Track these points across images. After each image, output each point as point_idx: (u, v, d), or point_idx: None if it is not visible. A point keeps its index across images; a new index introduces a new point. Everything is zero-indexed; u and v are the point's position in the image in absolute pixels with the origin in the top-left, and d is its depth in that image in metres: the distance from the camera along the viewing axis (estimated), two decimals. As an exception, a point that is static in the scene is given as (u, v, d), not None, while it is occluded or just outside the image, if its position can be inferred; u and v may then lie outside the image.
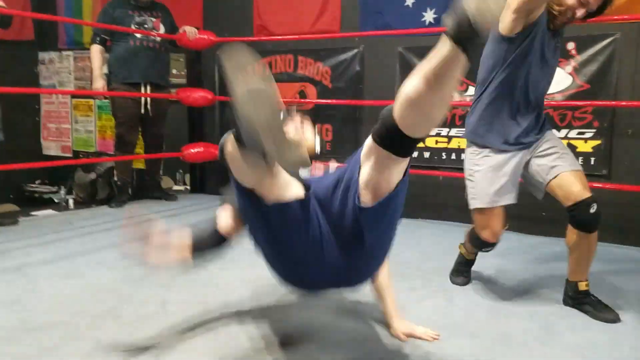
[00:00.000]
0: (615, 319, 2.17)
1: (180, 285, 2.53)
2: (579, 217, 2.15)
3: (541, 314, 2.21)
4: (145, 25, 4.39)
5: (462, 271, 2.61)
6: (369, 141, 1.35)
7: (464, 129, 3.81)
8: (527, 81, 2.16)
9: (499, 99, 2.20)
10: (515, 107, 2.20)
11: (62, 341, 1.87)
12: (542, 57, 2.14)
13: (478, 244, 2.43)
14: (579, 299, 2.29)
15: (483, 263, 2.66)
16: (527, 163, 2.29)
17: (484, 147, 2.28)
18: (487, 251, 2.46)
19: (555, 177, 2.19)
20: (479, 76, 2.28)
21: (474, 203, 2.34)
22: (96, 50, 4.34)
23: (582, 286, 2.27)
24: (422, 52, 4.37)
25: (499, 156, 2.25)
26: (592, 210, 2.11)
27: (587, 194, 2.13)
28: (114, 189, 4.80)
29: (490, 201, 2.27)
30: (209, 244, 1.78)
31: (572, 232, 2.21)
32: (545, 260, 2.95)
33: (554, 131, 2.41)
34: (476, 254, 2.60)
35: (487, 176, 2.26)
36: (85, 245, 3.22)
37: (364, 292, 2.08)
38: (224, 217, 1.80)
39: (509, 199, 2.28)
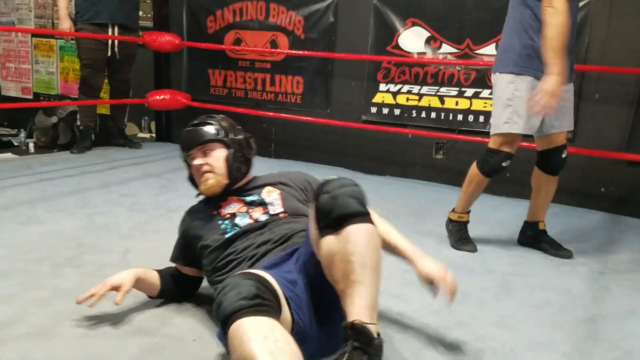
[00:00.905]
0: (569, 256, 2.48)
1: (143, 234, 2.50)
2: (550, 159, 2.46)
3: (498, 273, 2.27)
4: None
5: (465, 237, 2.59)
6: None
7: (435, 87, 3.86)
8: None
9: (535, 27, 2.22)
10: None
11: (20, 289, 1.84)
12: None
13: (496, 160, 2.41)
14: (537, 237, 2.59)
15: (445, 222, 2.70)
16: None
17: (525, 74, 2.28)
18: (504, 169, 2.43)
19: (551, 133, 2.41)
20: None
21: (508, 127, 2.34)
22: None
23: (541, 226, 2.60)
24: (397, 6, 4.31)
25: (536, 85, 2.26)
26: (563, 155, 2.45)
27: (564, 142, 2.45)
28: (77, 134, 4.67)
29: (525, 128, 2.32)
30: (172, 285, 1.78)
31: (538, 174, 2.51)
32: (506, 220, 3.02)
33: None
34: (469, 213, 2.60)
35: (525, 105, 2.29)
36: (45, 191, 3.13)
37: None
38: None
39: (532, 129, 2.36)
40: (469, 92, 3.77)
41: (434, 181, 3.94)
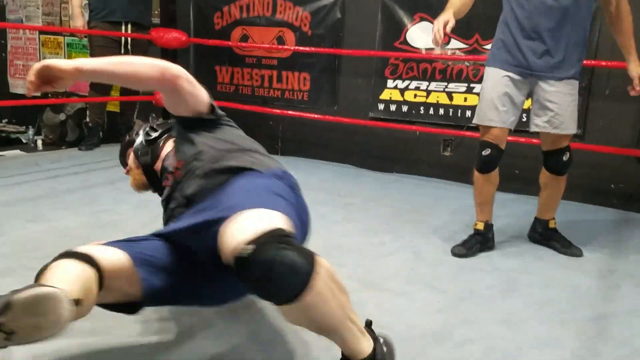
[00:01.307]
0: (579, 254, 2.44)
1: (149, 232, 2.50)
2: (551, 161, 2.45)
3: (504, 270, 2.25)
4: None
5: (478, 250, 2.46)
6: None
7: (443, 83, 3.83)
8: (521, 9, 2.26)
9: (506, 21, 2.33)
10: (516, 31, 2.28)
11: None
12: None
13: (478, 152, 2.39)
14: (547, 235, 2.56)
15: (452, 219, 2.68)
16: (532, 95, 2.38)
17: (492, 66, 2.36)
18: (489, 159, 2.36)
19: (541, 132, 2.40)
20: None
21: (474, 118, 2.44)
22: None
23: (552, 224, 2.57)
24: (406, 2, 4.27)
25: (501, 75, 2.31)
26: (564, 158, 2.41)
27: (564, 144, 2.40)
28: (85, 130, 4.68)
29: (485, 119, 2.34)
30: None
31: (545, 173, 2.49)
32: (513, 217, 2.99)
33: (572, 83, 2.33)
34: (485, 222, 2.49)
35: (486, 95, 2.34)
36: (51, 188, 3.14)
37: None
38: None
39: (504, 122, 2.33)
40: (478, 87, 3.73)
41: (442, 178, 3.91)
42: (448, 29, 2.20)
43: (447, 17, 2.22)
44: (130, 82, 1.51)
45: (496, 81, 2.32)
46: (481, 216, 2.50)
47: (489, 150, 2.36)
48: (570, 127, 2.35)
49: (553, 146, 2.42)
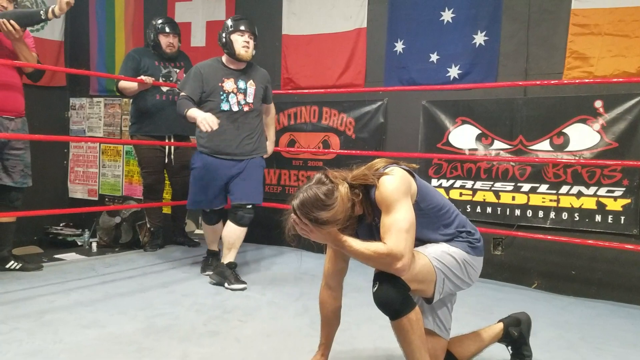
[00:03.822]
0: None
1: (200, 338, 2.50)
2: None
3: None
4: (171, 78, 4.39)
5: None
6: None
7: (489, 182, 3.85)
8: None
9: None
10: None
11: (81, 396, 1.84)
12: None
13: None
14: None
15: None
16: None
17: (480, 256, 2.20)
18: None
19: None
20: None
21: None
22: (123, 82, 4.25)
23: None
24: (446, 106, 4.42)
25: None
26: (374, 290, 1.85)
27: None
28: (137, 232, 4.84)
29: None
30: None
31: None
32: (574, 324, 2.85)
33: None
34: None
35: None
36: (107, 292, 3.21)
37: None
38: None
39: None
40: (526, 187, 3.73)
41: (494, 279, 3.80)
42: None
43: None
44: None
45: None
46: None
47: None
48: None
49: None
